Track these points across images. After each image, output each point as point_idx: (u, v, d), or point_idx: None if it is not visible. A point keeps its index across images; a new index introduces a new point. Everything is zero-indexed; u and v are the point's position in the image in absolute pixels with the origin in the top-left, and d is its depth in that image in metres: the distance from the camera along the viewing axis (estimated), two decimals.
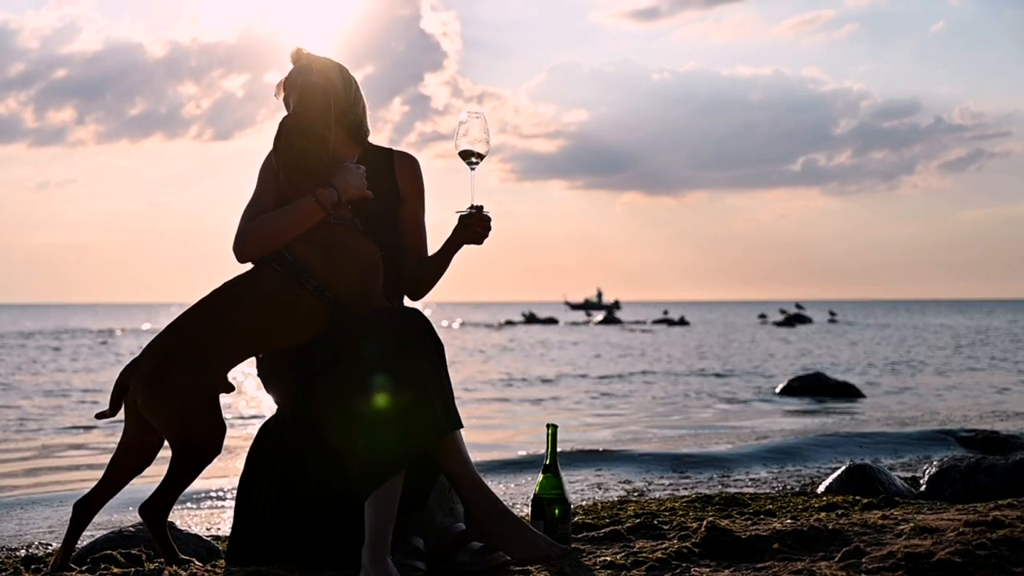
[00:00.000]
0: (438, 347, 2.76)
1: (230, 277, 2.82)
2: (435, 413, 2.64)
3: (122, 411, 2.76)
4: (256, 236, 2.79)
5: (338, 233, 2.82)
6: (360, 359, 2.66)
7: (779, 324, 45.71)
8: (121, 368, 2.79)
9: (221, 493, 5.56)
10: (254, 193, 2.91)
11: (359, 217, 2.91)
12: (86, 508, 2.83)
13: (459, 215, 2.99)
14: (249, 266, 2.85)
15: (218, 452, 2.73)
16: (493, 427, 9.34)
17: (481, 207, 2.97)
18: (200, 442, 2.67)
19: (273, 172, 2.89)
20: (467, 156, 2.95)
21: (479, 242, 3.00)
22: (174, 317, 2.79)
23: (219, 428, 2.70)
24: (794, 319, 48.32)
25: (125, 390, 2.74)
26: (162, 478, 2.75)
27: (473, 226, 2.97)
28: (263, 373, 2.93)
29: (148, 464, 2.84)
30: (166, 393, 2.66)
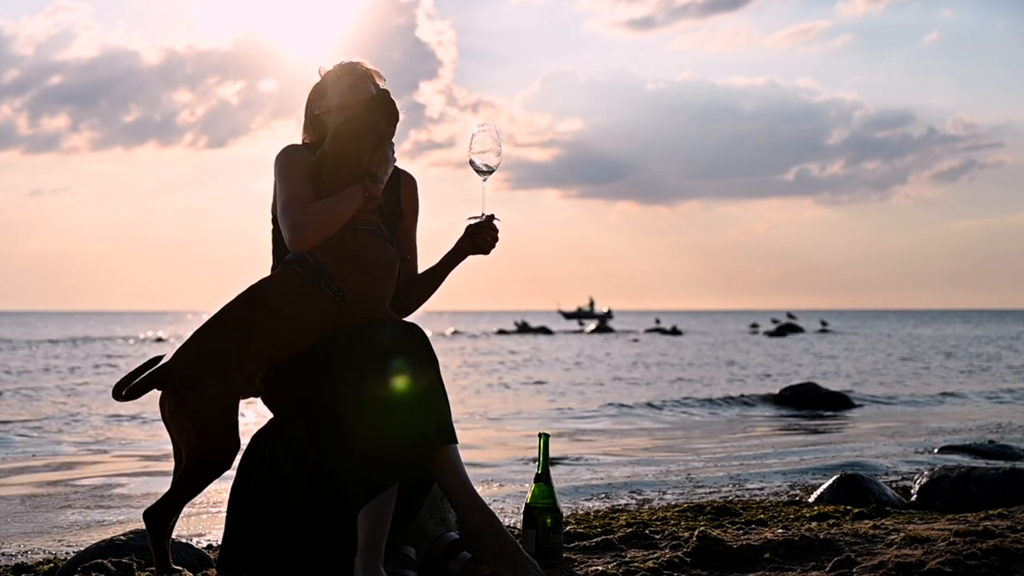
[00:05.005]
0: (433, 362, 2.76)
1: (227, 280, 2.84)
2: (427, 428, 2.64)
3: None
4: (317, 222, 2.78)
5: (365, 239, 2.84)
6: (375, 347, 2.67)
7: (770, 334, 45.73)
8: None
9: (213, 501, 5.55)
10: (289, 189, 2.85)
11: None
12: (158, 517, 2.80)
13: (470, 221, 3.01)
14: (247, 280, 2.86)
15: (228, 467, 2.76)
16: (487, 434, 9.34)
17: (492, 216, 3.00)
18: (214, 455, 2.70)
19: (304, 165, 2.89)
20: (479, 167, 2.98)
21: (486, 252, 3.02)
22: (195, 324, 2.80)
23: (234, 444, 2.73)
24: (785, 329, 48.36)
25: (140, 392, 2.74)
26: (170, 486, 2.76)
27: (483, 234, 2.99)
28: (261, 379, 2.93)
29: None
30: (191, 406, 2.68)
